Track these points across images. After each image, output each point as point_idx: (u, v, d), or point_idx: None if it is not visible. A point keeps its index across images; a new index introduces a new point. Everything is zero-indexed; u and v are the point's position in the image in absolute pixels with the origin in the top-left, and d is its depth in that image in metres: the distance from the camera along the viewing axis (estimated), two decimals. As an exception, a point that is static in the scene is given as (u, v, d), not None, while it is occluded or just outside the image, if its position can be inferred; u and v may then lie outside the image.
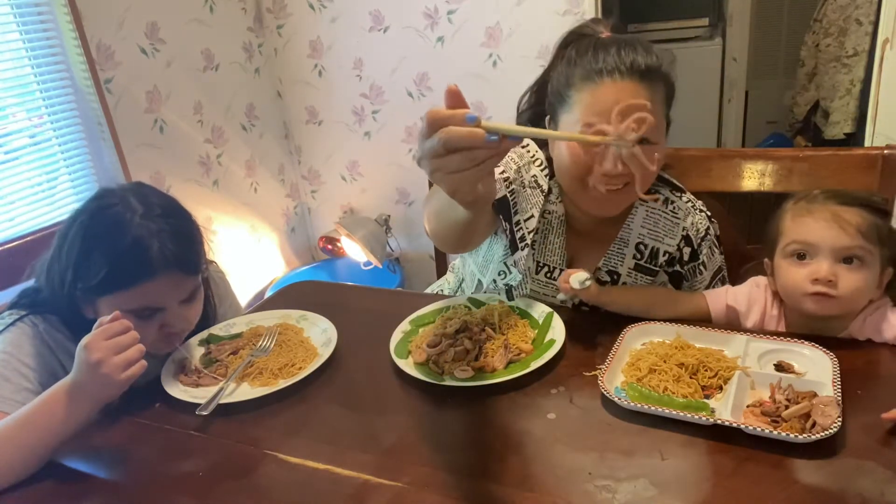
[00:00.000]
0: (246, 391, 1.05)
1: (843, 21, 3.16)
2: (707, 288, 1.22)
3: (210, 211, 2.60)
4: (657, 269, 1.21)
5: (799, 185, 1.35)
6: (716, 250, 1.24)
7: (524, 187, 1.21)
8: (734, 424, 0.82)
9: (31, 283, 1.15)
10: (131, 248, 1.01)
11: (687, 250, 1.21)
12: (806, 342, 0.98)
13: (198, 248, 1.10)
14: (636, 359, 0.99)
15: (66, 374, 1.06)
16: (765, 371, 0.94)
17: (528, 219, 1.20)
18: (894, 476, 0.74)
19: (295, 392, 1.04)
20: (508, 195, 1.19)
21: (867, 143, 2.00)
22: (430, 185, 1.20)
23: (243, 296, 2.81)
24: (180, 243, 1.06)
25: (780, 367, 0.95)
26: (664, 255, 1.20)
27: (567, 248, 1.23)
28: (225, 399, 1.02)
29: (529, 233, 1.19)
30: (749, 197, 1.45)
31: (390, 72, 2.71)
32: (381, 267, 2.83)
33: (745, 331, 1.05)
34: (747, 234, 1.44)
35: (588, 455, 0.84)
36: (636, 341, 1.05)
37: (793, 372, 0.94)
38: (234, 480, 0.88)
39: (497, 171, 1.17)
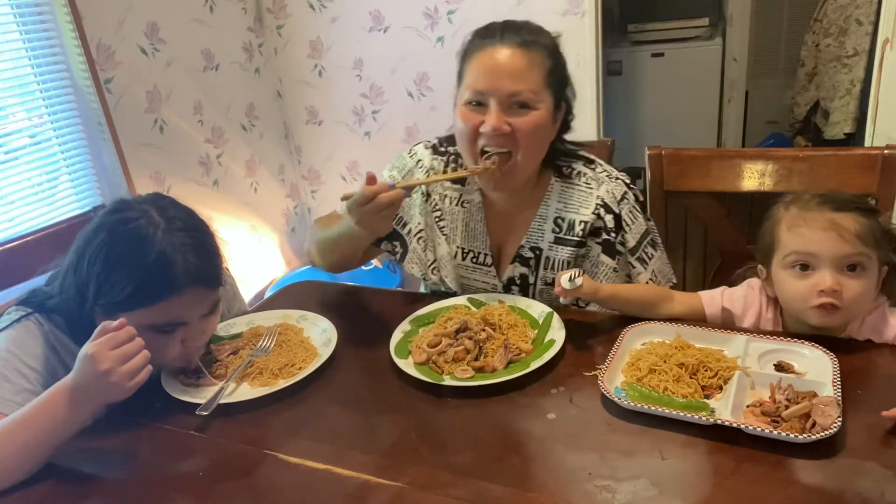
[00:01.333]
0: (246, 391, 1.05)
1: (843, 21, 3.16)
2: (635, 252, 1.23)
3: (210, 211, 2.58)
4: (577, 239, 1.22)
5: (799, 185, 1.34)
6: (638, 214, 1.24)
7: (409, 195, 1.32)
8: (734, 424, 0.82)
9: (41, 281, 1.14)
10: (156, 264, 0.99)
11: (609, 217, 1.21)
12: (806, 342, 0.98)
13: (218, 261, 1.09)
14: (636, 359, 0.99)
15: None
16: (765, 371, 0.94)
17: (416, 221, 1.32)
18: (894, 476, 0.74)
19: (295, 392, 1.04)
20: (394, 223, 1.31)
21: (867, 143, 2.00)
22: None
23: (243, 296, 2.81)
24: (203, 258, 1.05)
25: (780, 367, 0.95)
26: (580, 225, 1.22)
27: (489, 232, 1.29)
28: (225, 399, 1.02)
29: (415, 234, 1.32)
30: (749, 197, 1.45)
31: (390, 72, 2.71)
32: (381, 267, 2.83)
33: (746, 331, 1.05)
34: (747, 234, 1.44)
35: (588, 455, 0.84)
36: (636, 341, 1.05)
37: (793, 372, 0.94)
38: (234, 480, 0.88)
39: None
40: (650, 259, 1.24)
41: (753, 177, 1.41)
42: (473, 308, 1.20)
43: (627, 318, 1.10)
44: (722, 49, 3.53)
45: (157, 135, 2.39)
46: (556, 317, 1.12)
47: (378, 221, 1.10)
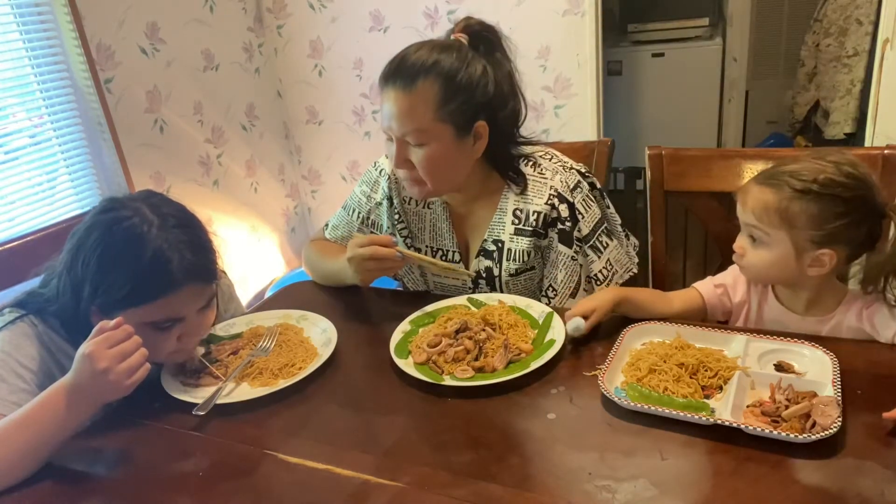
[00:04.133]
0: (246, 391, 1.05)
1: (843, 21, 3.16)
2: (588, 240, 1.25)
3: (210, 211, 2.60)
4: (532, 228, 1.25)
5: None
6: (592, 203, 1.26)
7: (379, 206, 1.39)
8: (734, 424, 0.82)
9: (36, 283, 1.14)
10: (153, 262, 0.99)
11: (563, 207, 1.23)
12: (806, 342, 0.98)
13: (213, 255, 1.10)
14: (636, 359, 0.99)
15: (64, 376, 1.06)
16: (765, 371, 0.94)
17: (386, 225, 1.38)
18: (894, 476, 0.74)
19: (295, 392, 1.04)
20: (376, 231, 1.41)
21: (867, 143, 2.00)
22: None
23: (243, 296, 2.81)
24: (198, 253, 1.04)
25: (780, 367, 0.95)
26: (534, 216, 1.24)
27: (455, 230, 1.33)
28: (225, 399, 1.02)
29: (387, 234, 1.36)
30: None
31: (390, 72, 2.71)
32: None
33: (746, 331, 1.05)
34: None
35: (588, 455, 0.84)
36: (636, 341, 1.05)
37: (793, 372, 0.94)
38: (234, 480, 0.88)
39: (354, 215, 1.43)
40: (605, 248, 1.26)
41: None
42: (473, 308, 1.20)
43: (627, 319, 1.10)
44: (722, 49, 3.53)
45: (157, 135, 2.39)
46: (556, 317, 1.12)
47: (363, 270, 1.21)
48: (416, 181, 1.21)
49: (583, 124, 2.52)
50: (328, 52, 2.79)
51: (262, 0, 2.80)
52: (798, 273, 1.04)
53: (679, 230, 1.54)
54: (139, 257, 0.99)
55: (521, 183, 1.25)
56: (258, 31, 2.83)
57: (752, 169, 1.40)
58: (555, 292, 1.26)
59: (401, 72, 1.16)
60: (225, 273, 1.35)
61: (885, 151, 1.28)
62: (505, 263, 1.28)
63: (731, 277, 1.17)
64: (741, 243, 1.09)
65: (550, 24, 2.42)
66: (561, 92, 2.51)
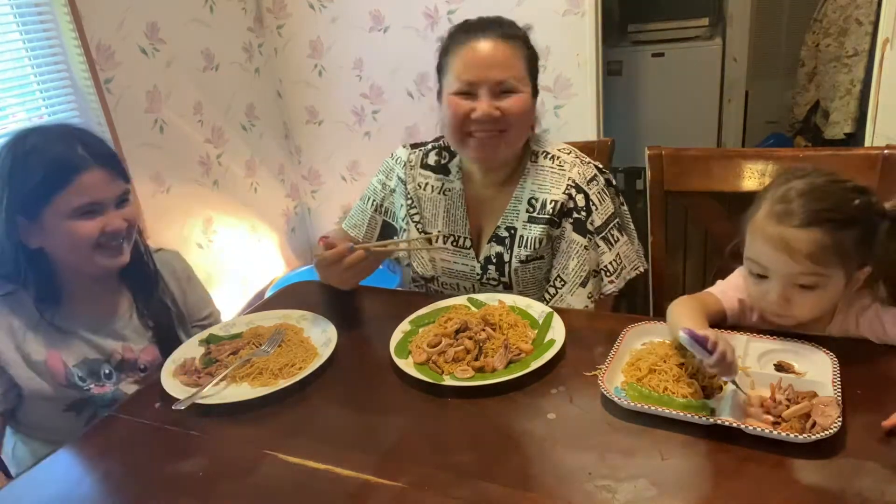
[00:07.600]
0: (246, 391, 1.05)
1: (843, 21, 3.16)
2: (601, 231, 1.28)
3: (210, 211, 2.60)
4: (547, 217, 1.28)
5: (799, 185, 1.34)
6: (606, 196, 1.30)
7: (393, 193, 1.42)
8: (734, 424, 0.82)
9: None
10: (60, 149, 1.10)
11: (580, 197, 1.27)
12: (806, 342, 0.98)
13: (116, 154, 1.18)
14: (636, 359, 0.99)
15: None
16: (765, 371, 0.94)
17: (402, 210, 1.41)
18: (894, 476, 0.75)
19: (295, 392, 1.04)
20: (388, 219, 1.45)
21: (867, 143, 2.00)
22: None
23: (243, 296, 2.81)
24: (102, 144, 1.16)
25: (780, 367, 0.95)
26: (551, 204, 1.28)
27: (469, 217, 1.37)
28: (226, 399, 1.02)
29: (402, 221, 1.41)
30: (749, 197, 1.44)
31: (390, 72, 2.71)
32: (381, 267, 2.83)
33: (746, 331, 1.05)
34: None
35: (588, 455, 0.84)
36: (636, 341, 1.05)
37: (793, 372, 0.94)
38: (234, 480, 0.88)
39: (368, 203, 1.46)
40: (615, 242, 1.30)
41: (753, 177, 1.40)
42: (473, 308, 1.20)
43: (627, 319, 1.10)
44: (722, 49, 3.53)
45: (157, 135, 2.39)
46: (556, 317, 1.12)
47: (343, 280, 1.25)
48: (498, 132, 1.23)
49: (583, 124, 2.52)
50: (328, 52, 2.79)
51: (262, 0, 2.80)
52: (840, 298, 1.02)
53: (679, 230, 1.54)
54: (44, 144, 1.10)
55: (546, 159, 1.30)
56: (258, 31, 2.83)
57: (752, 169, 1.40)
58: (563, 282, 1.28)
59: (501, 24, 1.23)
60: (178, 253, 1.42)
61: (885, 151, 1.28)
62: (516, 250, 1.30)
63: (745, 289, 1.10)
64: (786, 296, 0.98)
65: (550, 24, 2.42)
66: (561, 92, 2.51)
